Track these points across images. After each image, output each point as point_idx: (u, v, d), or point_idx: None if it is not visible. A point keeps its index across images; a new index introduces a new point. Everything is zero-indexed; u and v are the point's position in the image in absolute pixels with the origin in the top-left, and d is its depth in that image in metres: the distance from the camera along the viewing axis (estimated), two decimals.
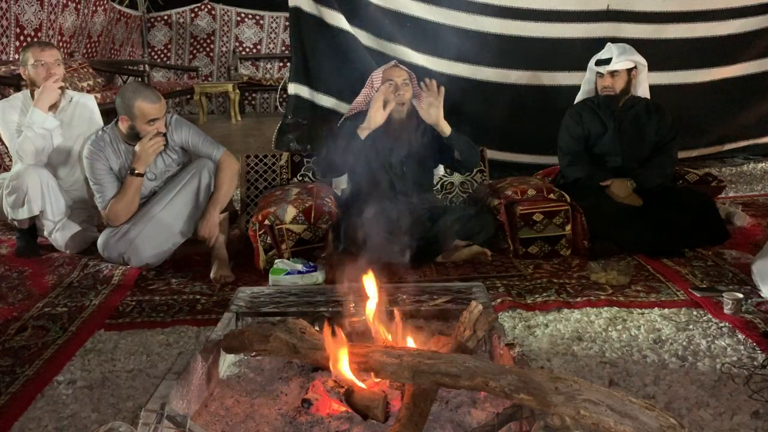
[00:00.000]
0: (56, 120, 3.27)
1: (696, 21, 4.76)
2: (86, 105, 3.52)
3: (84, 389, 2.01)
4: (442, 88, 3.08)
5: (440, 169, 3.67)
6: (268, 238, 3.04)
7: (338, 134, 3.24)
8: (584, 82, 3.64)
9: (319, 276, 2.87)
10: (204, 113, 8.38)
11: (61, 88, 3.29)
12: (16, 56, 5.70)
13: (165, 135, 3.05)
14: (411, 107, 3.22)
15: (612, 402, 1.31)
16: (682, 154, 4.33)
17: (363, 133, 3.10)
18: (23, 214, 3.20)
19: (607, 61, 3.35)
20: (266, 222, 3.03)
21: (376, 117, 3.08)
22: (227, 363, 2.01)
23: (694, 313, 2.49)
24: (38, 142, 3.21)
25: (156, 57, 9.21)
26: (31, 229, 3.35)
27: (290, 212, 3.03)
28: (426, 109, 3.08)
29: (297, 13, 4.40)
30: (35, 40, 6.05)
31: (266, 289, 2.36)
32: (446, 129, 3.13)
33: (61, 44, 6.62)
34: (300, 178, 3.71)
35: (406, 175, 3.26)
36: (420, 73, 4.42)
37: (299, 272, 2.84)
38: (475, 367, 1.47)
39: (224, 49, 9.38)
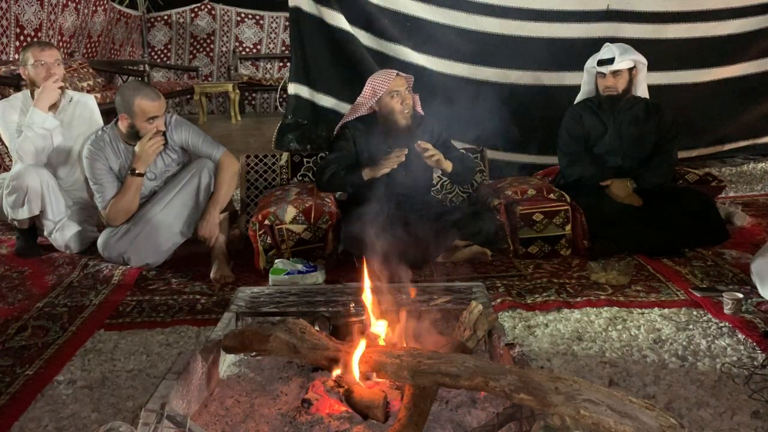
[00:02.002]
0: (56, 120, 3.27)
1: (696, 21, 4.75)
2: (86, 105, 3.52)
3: (84, 389, 2.01)
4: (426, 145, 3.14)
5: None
6: (268, 238, 3.04)
7: (337, 148, 3.27)
8: (584, 83, 3.63)
9: (319, 276, 2.87)
10: (204, 113, 8.38)
11: (60, 88, 3.29)
12: (16, 56, 5.70)
13: (165, 134, 3.05)
14: (413, 112, 3.25)
15: (612, 402, 1.31)
16: (682, 154, 4.33)
17: (367, 175, 3.16)
18: (23, 214, 3.20)
19: (610, 61, 3.34)
20: (266, 222, 3.03)
21: (385, 171, 3.12)
22: (227, 363, 2.01)
23: (694, 313, 2.49)
24: (38, 142, 3.21)
25: (156, 57, 9.21)
26: (31, 229, 3.35)
27: (290, 212, 3.03)
28: (428, 160, 3.17)
29: (297, 13, 4.40)
30: (35, 40, 6.05)
31: (266, 289, 2.36)
32: (448, 167, 3.22)
33: (61, 44, 6.62)
34: (300, 178, 3.71)
35: (405, 176, 3.27)
36: (420, 73, 4.45)
37: (299, 272, 2.84)
38: (475, 367, 1.47)
39: (224, 49, 9.38)
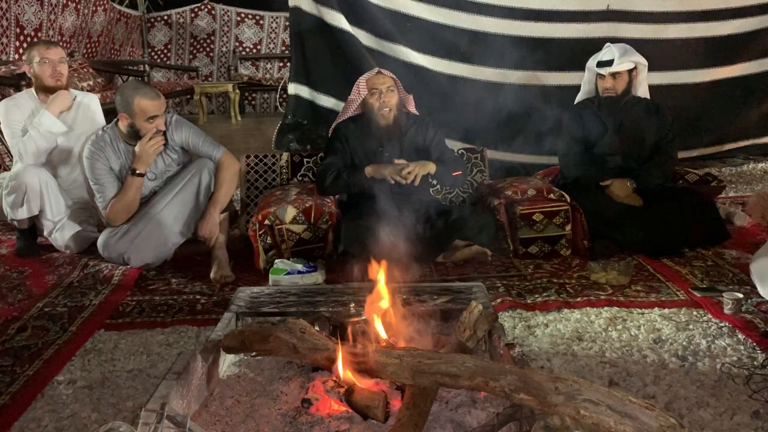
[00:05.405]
0: (64, 126, 3.30)
1: (696, 21, 4.76)
2: (89, 106, 3.53)
3: (84, 389, 2.01)
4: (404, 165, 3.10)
5: None
6: (268, 238, 3.04)
7: (332, 151, 3.27)
8: (584, 82, 3.63)
9: (319, 276, 2.87)
10: (204, 113, 8.38)
11: (65, 88, 3.34)
12: (16, 56, 5.70)
13: (165, 134, 3.05)
14: (398, 112, 3.23)
15: (612, 402, 1.31)
16: (682, 154, 4.33)
17: (369, 173, 3.15)
18: (23, 214, 3.21)
19: (609, 63, 3.34)
20: (266, 222, 3.03)
21: (386, 177, 3.11)
22: (227, 363, 2.01)
23: (694, 313, 2.49)
24: (41, 143, 3.23)
25: (156, 57, 9.21)
26: (31, 229, 3.35)
27: (290, 212, 3.03)
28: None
29: (297, 13, 4.40)
30: (36, 39, 6.05)
31: (266, 289, 2.36)
32: (431, 169, 3.17)
33: (61, 44, 6.61)
34: (300, 178, 3.71)
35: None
36: (420, 73, 4.45)
37: (299, 272, 2.84)
38: (475, 367, 1.47)
39: (224, 49, 9.38)
